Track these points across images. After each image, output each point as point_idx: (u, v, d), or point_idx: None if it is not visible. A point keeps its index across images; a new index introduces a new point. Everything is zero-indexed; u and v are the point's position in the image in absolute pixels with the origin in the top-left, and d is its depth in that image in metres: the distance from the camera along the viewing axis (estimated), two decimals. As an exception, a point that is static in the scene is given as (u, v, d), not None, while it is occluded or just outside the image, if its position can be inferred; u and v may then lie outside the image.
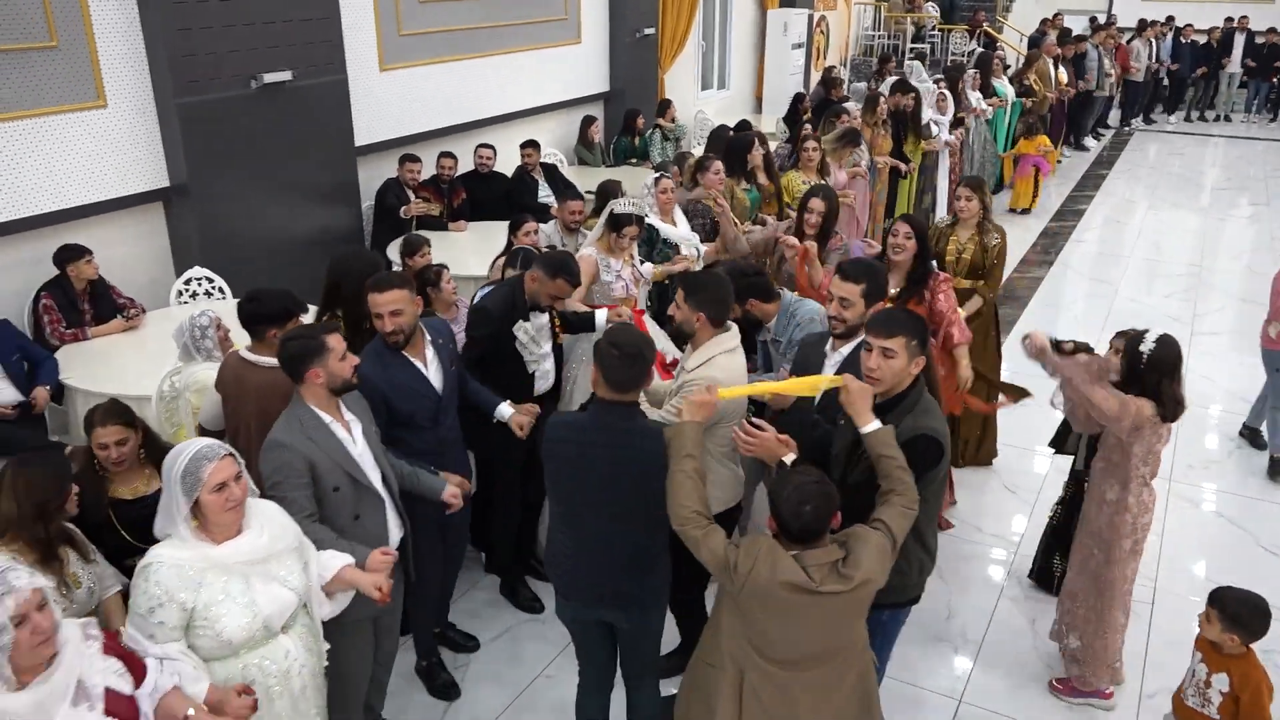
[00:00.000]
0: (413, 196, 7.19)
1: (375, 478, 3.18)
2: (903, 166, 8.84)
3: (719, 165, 6.07)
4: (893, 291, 4.49)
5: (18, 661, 2.17)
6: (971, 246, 5.25)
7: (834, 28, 15.74)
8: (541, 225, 5.99)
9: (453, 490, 3.47)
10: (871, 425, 2.84)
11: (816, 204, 5.15)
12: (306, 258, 6.53)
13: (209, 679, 2.57)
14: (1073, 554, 3.97)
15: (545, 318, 4.24)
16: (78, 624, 2.36)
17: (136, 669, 2.44)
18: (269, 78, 6.17)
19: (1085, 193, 12.18)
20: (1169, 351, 3.57)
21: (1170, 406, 3.58)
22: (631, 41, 10.29)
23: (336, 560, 2.88)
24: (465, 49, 8.27)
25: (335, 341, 3.05)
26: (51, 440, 4.78)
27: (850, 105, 9.97)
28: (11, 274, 5.40)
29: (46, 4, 5.23)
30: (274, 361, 3.45)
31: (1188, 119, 16.88)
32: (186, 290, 6.00)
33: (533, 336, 4.12)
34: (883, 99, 8.95)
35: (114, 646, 2.42)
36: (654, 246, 5.58)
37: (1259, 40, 16.36)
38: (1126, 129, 16.09)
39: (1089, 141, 14.63)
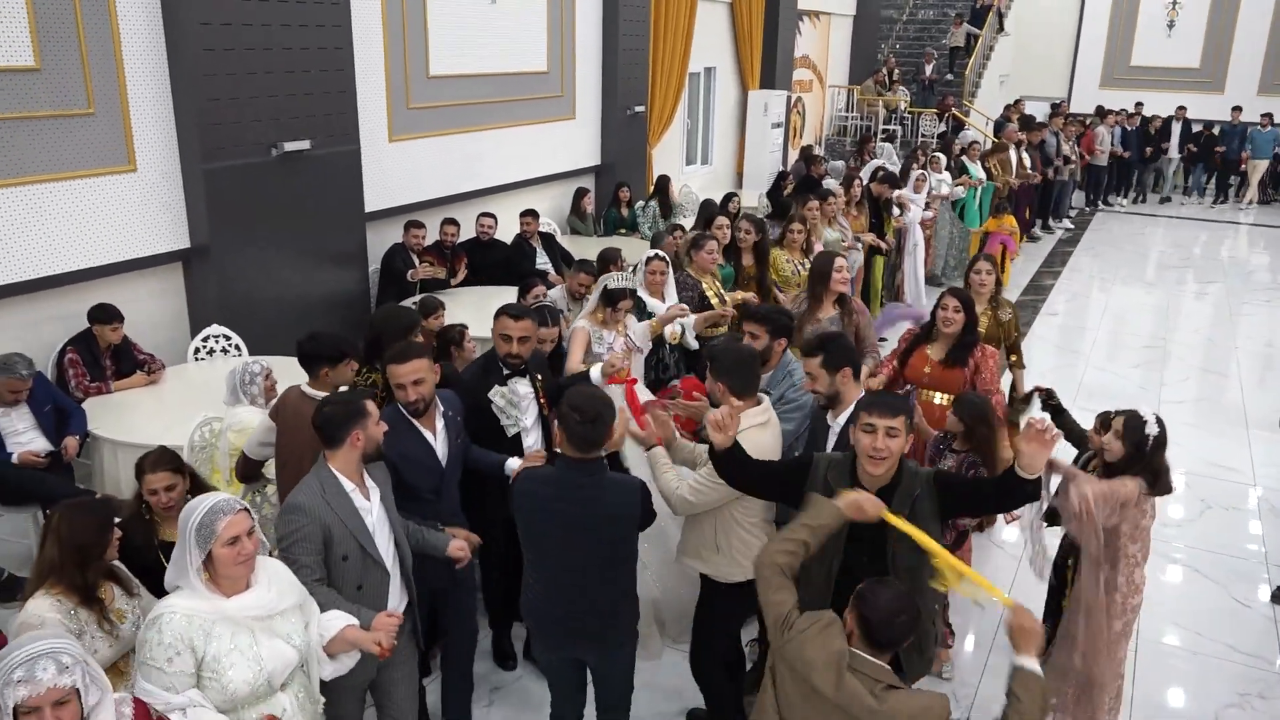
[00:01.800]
0: (417, 261, 7.47)
1: (385, 549, 3.21)
2: (882, 244, 9.23)
3: (713, 245, 6.18)
4: (938, 357, 4.88)
5: None
6: (985, 320, 5.52)
7: (809, 109, 16.43)
8: (550, 290, 6.29)
9: (458, 544, 3.50)
10: (1030, 663, 2.64)
11: (842, 263, 5.48)
12: (317, 317, 6.77)
13: None
14: (1062, 631, 3.91)
15: (526, 386, 4.19)
16: (111, 701, 2.33)
17: None
18: (289, 146, 6.47)
19: (1052, 269, 12.73)
20: (1165, 431, 3.67)
21: (1165, 481, 3.66)
22: (622, 118, 10.76)
23: (339, 620, 2.89)
24: (468, 122, 8.66)
25: (372, 407, 3.16)
26: (79, 487, 4.91)
27: (831, 183, 10.49)
28: (40, 328, 5.59)
29: (87, 74, 5.51)
30: (328, 396, 3.70)
31: (1135, 201, 17.67)
32: (204, 347, 6.20)
33: (509, 400, 4.12)
34: (858, 180, 9.44)
35: (144, 718, 2.42)
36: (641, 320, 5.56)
37: (1196, 129, 17.28)
38: (1091, 211, 16.79)
39: (1058, 224, 15.07)
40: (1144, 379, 8.76)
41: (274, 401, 4.16)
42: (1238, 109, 17.21)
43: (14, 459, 4.75)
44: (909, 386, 5.04)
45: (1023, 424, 3.29)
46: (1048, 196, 14.53)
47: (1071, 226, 15.16)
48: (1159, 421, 3.66)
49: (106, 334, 5.51)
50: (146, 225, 6.02)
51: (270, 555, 2.98)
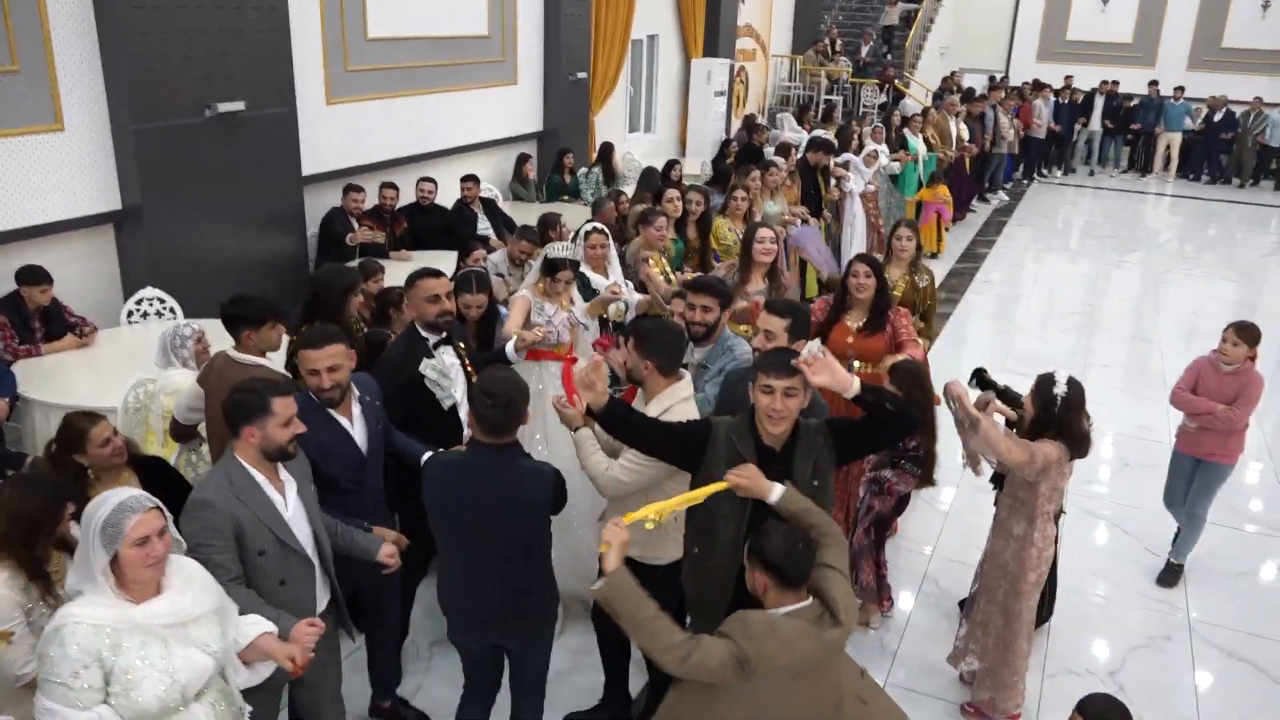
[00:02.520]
0: (356, 225, 7.42)
1: (306, 542, 3.05)
2: (813, 220, 8.82)
3: (663, 221, 6.05)
4: (858, 325, 4.86)
5: None
6: (903, 284, 5.65)
7: (753, 78, 16.50)
8: (491, 255, 6.31)
9: (389, 549, 3.32)
10: (776, 492, 2.93)
11: (766, 233, 5.32)
12: (254, 281, 6.67)
13: None
14: (980, 584, 4.19)
15: (451, 356, 4.10)
16: None
17: None
18: (222, 107, 6.38)
19: (988, 238, 13.00)
20: (1077, 392, 3.78)
21: (1080, 444, 3.79)
22: (565, 84, 10.73)
23: (255, 628, 2.70)
24: (409, 86, 8.58)
25: (281, 406, 2.90)
26: (10, 450, 4.84)
27: (770, 153, 10.55)
28: (-36, 290, 5.47)
29: (9, 29, 5.38)
30: (257, 360, 3.69)
31: (1065, 173, 18.09)
32: (138, 310, 6.12)
33: (441, 371, 4.01)
34: (793, 149, 9.46)
35: None
36: (587, 298, 5.35)
37: (1115, 103, 17.72)
38: (1027, 182, 17.14)
39: (994, 195, 15.28)
40: (1074, 345, 9.03)
41: (203, 366, 4.13)
42: (1154, 83, 17.63)
43: (-60, 421, 4.67)
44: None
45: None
46: (985, 169, 14.77)
47: (1006, 199, 15.45)
48: (1070, 383, 3.77)
49: (35, 296, 5.41)
50: (75, 186, 5.91)
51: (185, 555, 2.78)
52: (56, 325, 5.55)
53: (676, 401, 3.49)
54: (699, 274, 5.63)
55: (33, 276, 5.38)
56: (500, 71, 9.88)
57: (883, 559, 4.74)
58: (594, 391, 3.23)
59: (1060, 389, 3.76)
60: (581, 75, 11.01)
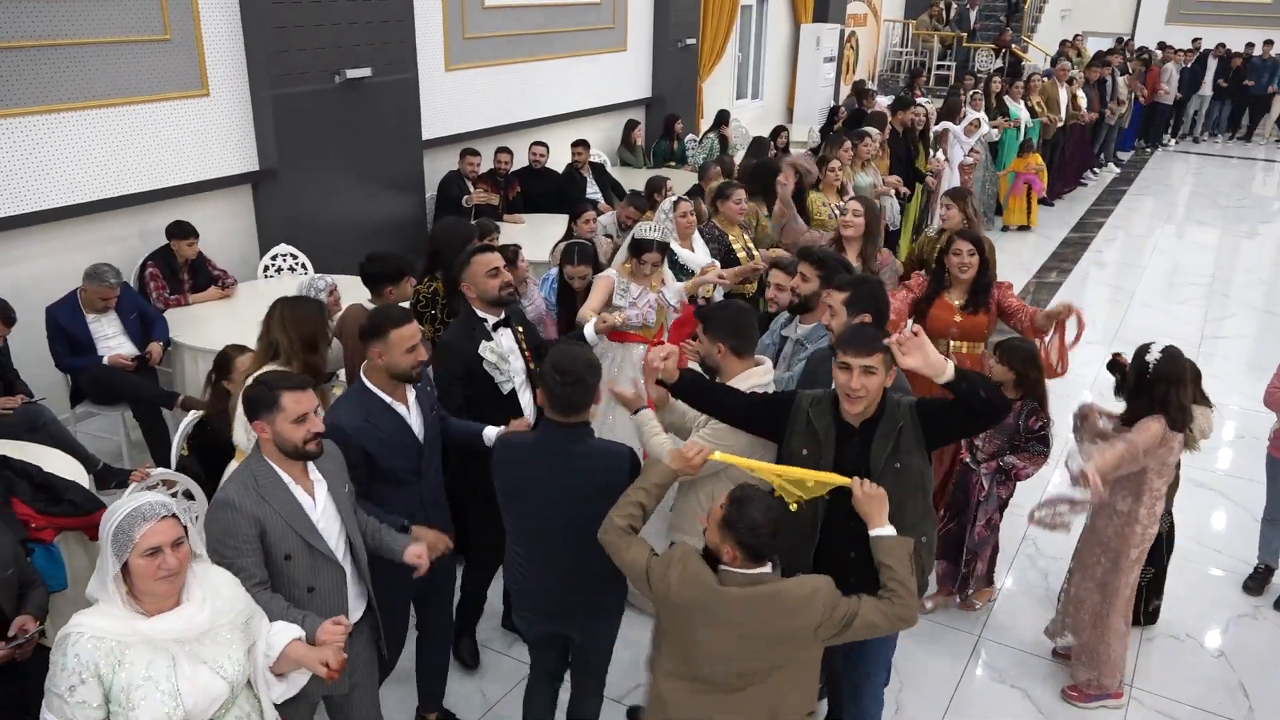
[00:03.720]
0: (472, 188, 7.72)
1: (336, 546, 2.87)
2: (903, 188, 8.50)
3: (741, 194, 5.83)
4: (959, 303, 4.65)
5: None
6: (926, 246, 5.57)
7: (863, 43, 16.25)
8: (599, 217, 6.51)
9: (416, 550, 3.04)
10: (885, 530, 2.77)
11: (856, 205, 5.10)
12: (376, 239, 7.07)
13: None
14: (1077, 560, 4.07)
15: (509, 340, 3.94)
16: None
17: None
18: (350, 73, 6.72)
19: (1104, 208, 12.62)
20: (1174, 363, 3.65)
21: (1177, 415, 3.65)
22: (673, 51, 10.83)
23: (283, 635, 2.50)
24: (522, 53, 8.83)
25: (292, 401, 2.71)
26: (164, 389, 5.31)
27: (873, 130, 10.29)
28: (121, 244, 5.96)
29: (163, 1, 5.78)
30: None
31: (1180, 140, 17.29)
32: (273, 264, 6.54)
33: (500, 355, 3.86)
34: (889, 117, 9.13)
35: None
36: (679, 273, 5.28)
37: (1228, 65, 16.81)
38: (1150, 150, 16.48)
39: (1106, 167, 14.67)
40: (1195, 318, 8.74)
41: (337, 316, 4.44)
42: (1269, 42, 16.68)
43: (105, 361, 5.13)
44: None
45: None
46: (1096, 138, 14.12)
47: (1116, 170, 14.80)
48: (1166, 352, 3.66)
49: (183, 249, 5.85)
50: (219, 148, 6.34)
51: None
52: (201, 277, 5.99)
53: (753, 385, 3.34)
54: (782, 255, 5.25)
55: (182, 231, 5.81)
56: (610, 38, 10.04)
57: (996, 543, 4.58)
58: (666, 366, 3.13)
59: (1152, 357, 3.66)
60: (690, 41, 11.08)
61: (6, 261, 5.45)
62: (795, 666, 2.64)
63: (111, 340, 5.22)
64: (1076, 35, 17.57)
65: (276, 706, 2.51)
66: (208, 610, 2.34)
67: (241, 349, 3.88)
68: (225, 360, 3.90)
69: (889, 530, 2.77)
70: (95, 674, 2.20)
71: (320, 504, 2.82)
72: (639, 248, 4.60)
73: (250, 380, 3.01)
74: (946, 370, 2.88)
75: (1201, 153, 16.52)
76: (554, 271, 5.14)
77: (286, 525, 2.72)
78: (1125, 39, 18.42)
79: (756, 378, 3.35)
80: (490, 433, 3.54)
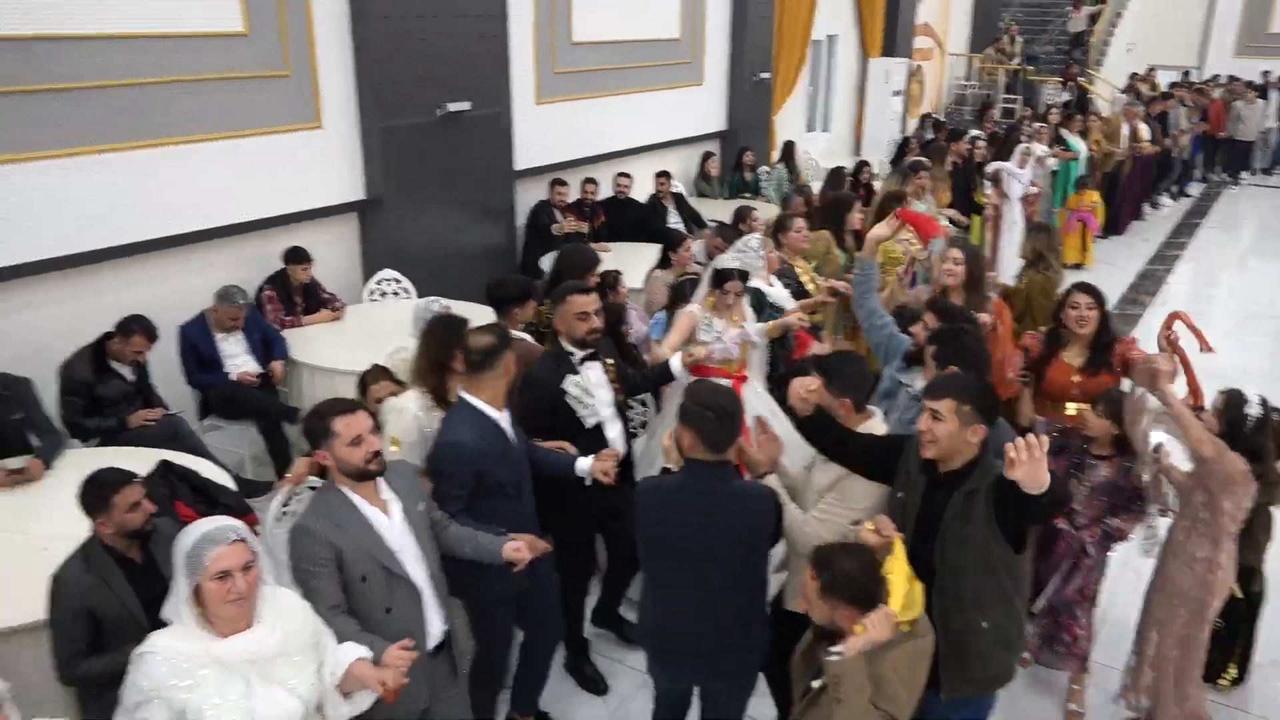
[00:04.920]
0: (560, 217, 7.98)
1: (413, 566, 2.92)
2: (962, 219, 8.58)
3: (800, 223, 5.86)
4: (1078, 363, 4.29)
5: None
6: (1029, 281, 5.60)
7: (929, 76, 16.39)
8: (694, 244, 6.71)
9: (514, 545, 3.11)
10: (1046, 480, 2.59)
11: (956, 254, 4.86)
12: (471, 265, 7.40)
13: None
14: (1149, 615, 3.87)
15: (598, 373, 3.99)
16: None
17: None
18: (451, 107, 7.03)
19: (1179, 240, 12.56)
20: (1269, 415, 3.65)
21: (1268, 465, 3.62)
22: (748, 85, 11.07)
23: (349, 655, 2.57)
24: (607, 86, 9.13)
25: (343, 426, 2.79)
26: (285, 405, 5.58)
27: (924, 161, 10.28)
28: (241, 268, 6.26)
29: (285, 39, 6.13)
30: (521, 335, 4.18)
31: (1265, 173, 17.11)
32: (377, 289, 6.83)
33: (584, 389, 3.89)
34: (950, 148, 9.24)
35: None
36: (762, 311, 5.21)
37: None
38: (1232, 184, 16.30)
39: (1165, 201, 14.46)
40: (1271, 350, 8.69)
41: None
42: None
43: (232, 377, 5.42)
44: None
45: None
46: (1163, 171, 14.03)
47: (1174, 204, 14.59)
48: (1264, 403, 3.64)
49: (298, 273, 6.15)
50: (330, 178, 6.66)
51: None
52: (313, 301, 6.29)
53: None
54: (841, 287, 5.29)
55: (298, 256, 6.12)
56: (689, 72, 10.31)
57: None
58: (804, 404, 3.11)
59: (1254, 409, 3.61)
60: (764, 76, 11.32)
61: (142, 282, 5.78)
62: None
63: (237, 358, 5.52)
64: (1150, 69, 17.50)
65: None
66: (279, 632, 2.41)
67: (381, 372, 4.10)
68: (363, 383, 4.13)
69: (887, 611, 2.61)
70: (161, 695, 2.27)
71: (396, 522, 2.89)
72: (720, 278, 4.61)
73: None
74: (1044, 484, 2.61)
75: (1275, 185, 16.33)
76: (663, 314, 5.25)
77: (361, 549, 2.79)
78: (1188, 72, 18.31)
79: (874, 428, 3.29)
80: (583, 464, 3.62)
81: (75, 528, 3.18)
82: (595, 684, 4.26)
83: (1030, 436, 2.58)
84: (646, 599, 3.14)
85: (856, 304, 4.41)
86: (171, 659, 2.30)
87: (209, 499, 3.83)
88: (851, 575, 2.51)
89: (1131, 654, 4.03)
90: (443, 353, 3.60)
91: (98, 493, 3.00)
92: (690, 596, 2.96)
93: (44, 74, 5.08)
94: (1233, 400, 3.69)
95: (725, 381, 4.46)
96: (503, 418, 3.39)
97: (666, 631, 3.07)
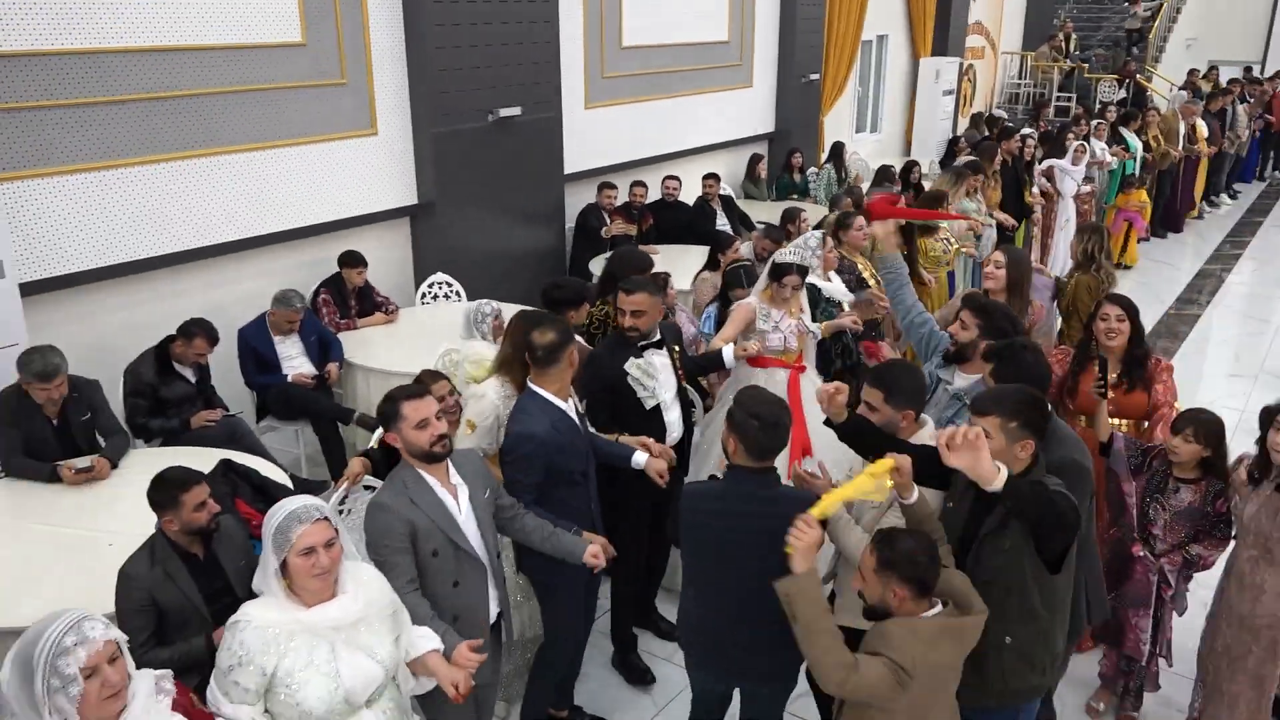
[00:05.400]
0: (609, 220, 8.03)
1: (478, 545, 3.09)
2: (1010, 221, 8.41)
3: (861, 221, 5.88)
4: (1112, 378, 4.07)
5: (86, 714, 2.14)
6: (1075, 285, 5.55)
7: (981, 75, 16.20)
8: (742, 246, 6.72)
9: (594, 550, 3.29)
10: (913, 495, 2.76)
11: (998, 257, 4.79)
12: (521, 268, 7.48)
13: None
14: (1217, 649, 3.65)
15: (663, 359, 4.13)
16: (152, 676, 2.33)
17: None
18: (503, 112, 7.12)
19: (1240, 239, 12.27)
20: None
21: None
22: (797, 86, 11.04)
23: (426, 643, 2.74)
24: (656, 90, 9.17)
25: (410, 410, 2.93)
26: (340, 406, 5.70)
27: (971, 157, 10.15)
28: (298, 271, 6.41)
29: (341, 49, 6.27)
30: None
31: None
32: (429, 292, 6.94)
33: (645, 370, 4.03)
34: (1001, 147, 9.08)
35: (183, 702, 2.36)
36: (818, 306, 5.27)
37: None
38: (1277, 175, 15.90)
39: (1224, 199, 14.09)
40: (1338, 350, 8.47)
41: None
42: None
43: (289, 379, 5.55)
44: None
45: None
46: (1220, 169, 13.67)
47: (1231, 203, 14.18)
48: None
49: (353, 277, 6.27)
50: (384, 183, 6.79)
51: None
52: (367, 303, 6.40)
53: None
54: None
55: (353, 260, 6.24)
56: (737, 75, 10.31)
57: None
58: (836, 407, 3.11)
59: None
60: (814, 77, 11.29)
61: (203, 286, 5.95)
62: None
63: (294, 360, 5.64)
64: (1211, 66, 17.10)
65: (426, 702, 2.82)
66: (361, 601, 2.57)
67: (437, 375, 4.17)
68: (421, 383, 4.18)
69: (916, 490, 2.83)
70: (253, 661, 2.43)
71: (463, 506, 3.06)
72: (779, 271, 4.66)
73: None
74: (997, 479, 2.63)
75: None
76: (713, 308, 5.29)
77: (433, 524, 2.95)
78: (1251, 68, 17.85)
79: (923, 438, 3.19)
80: (640, 458, 3.69)
81: (140, 525, 3.31)
82: (643, 675, 4.33)
83: (967, 427, 2.62)
84: (688, 600, 3.18)
85: (892, 302, 4.39)
86: (262, 627, 2.46)
87: (268, 497, 3.91)
88: (911, 554, 2.53)
89: (1196, 682, 3.82)
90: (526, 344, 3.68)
91: (166, 491, 3.09)
92: (730, 598, 2.99)
93: (112, 86, 5.26)
94: None
95: (783, 371, 4.63)
96: (569, 407, 3.51)
97: (706, 632, 3.11)
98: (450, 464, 3.07)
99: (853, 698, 2.62)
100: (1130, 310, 4.11)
